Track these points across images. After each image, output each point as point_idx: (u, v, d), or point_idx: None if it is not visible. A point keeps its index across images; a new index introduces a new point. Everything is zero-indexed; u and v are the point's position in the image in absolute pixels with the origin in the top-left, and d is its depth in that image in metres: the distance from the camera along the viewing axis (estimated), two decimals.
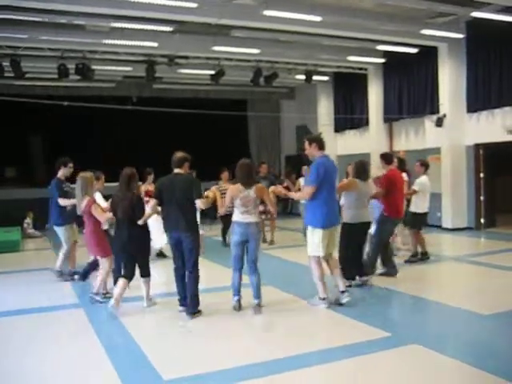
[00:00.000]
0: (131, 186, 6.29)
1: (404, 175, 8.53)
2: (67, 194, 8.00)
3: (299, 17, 10.17)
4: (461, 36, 12.01)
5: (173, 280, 6.21)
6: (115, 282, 6.58)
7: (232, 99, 18.04)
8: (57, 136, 15.86)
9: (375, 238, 7.74)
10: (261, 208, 6.88)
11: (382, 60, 14.42)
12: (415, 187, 8.70)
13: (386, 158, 8.01)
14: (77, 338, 5.55)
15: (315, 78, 15.41)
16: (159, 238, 8.93)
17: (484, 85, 11.90)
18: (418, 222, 8.88)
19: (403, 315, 6.37)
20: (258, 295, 6.12)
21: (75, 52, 12.27)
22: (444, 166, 12.68)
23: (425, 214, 8.93)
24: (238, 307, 6.12)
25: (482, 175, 12.52)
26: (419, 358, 4.66)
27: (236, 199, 5.97)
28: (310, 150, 6.25)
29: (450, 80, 12.47)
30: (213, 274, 7.90)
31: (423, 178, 8.82)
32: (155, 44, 11.81)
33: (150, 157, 12.66)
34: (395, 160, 8.22)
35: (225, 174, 11.04)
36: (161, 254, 9.74)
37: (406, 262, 8.71)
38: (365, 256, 7.55)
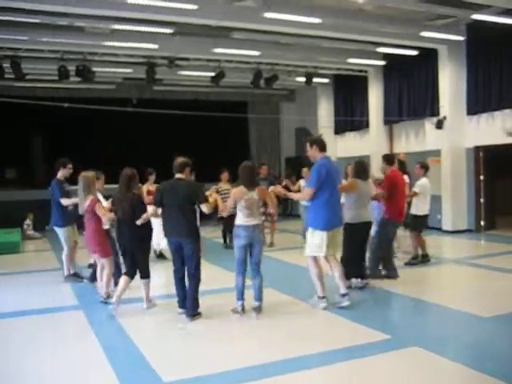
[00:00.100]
0: (131, 186, 6.29)
1: (405, 177, 8.53)
2: (68, 194, 8.01)
3: (299, 19, 10.18)
4: (461, 38, 12.02)
5: (173, 282, 6.20)
6: (116, 284, 6.58)
7: (232, 101, 18.03)
8: (57, 137, 15.86)
9: (375, 239, 7.74)
10: (261, 209, 6.87)
11: (382, 62, 14.43)
12: (416, 189, 8.70)
13: (388, 158, 8.04)
14: (76, 340, 5.55)
15: (315, 80, 15.42)
16: (160, 240, 8.92)
17: (484, 87, 11.91)
18: (419, 225, 8.88)
19: (403, 317, 6.36)
20: (259, 297, 6.12)
21: (75, 54, 12.29)
22: (444, 168, 12.69)
23: (425, 217, 8.92)
24: (242, 311, 6.08)
25: (482, 177, 12.53)
26: (419, 361, 4.65)
27: (240, 202, 5.95)
28: (312, 152, 6.27)
29: (450, 82, 12.47)
30: (213, 276, 7.88)
31: (423, 180, 8.82)
32: (155, 46, 11.82)
33: (151, 158, 12.65)
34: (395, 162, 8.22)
35: (224, 175, 11.05)
36: (161, 256, 9.74)
37: (407, 264, 8.70)
38: (367, 259, 7.55)
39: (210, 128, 15.91)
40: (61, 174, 8.17)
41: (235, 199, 6.00)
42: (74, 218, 8.03)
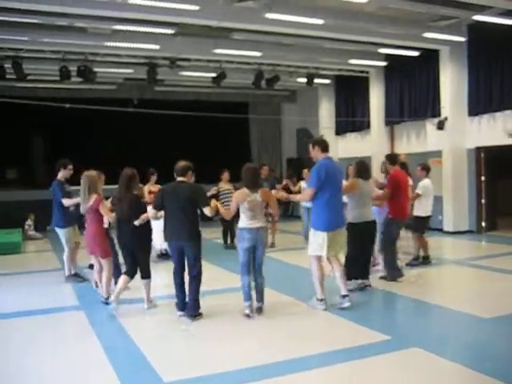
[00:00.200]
0: (131, 186, 6.30)
1: (409, 179, 8.48)
2: (69, 195, 8.02)
3: (301, 20, 10.17)
4: (462, 39, 12.02)
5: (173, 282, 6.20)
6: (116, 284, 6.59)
7: (233, 102, 18.04)
8: (58, 138, 15.87)
9: (381, 241, 7.73)
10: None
11: (384, 63, 14.42)
12: (418, 191, 8.68)
13: (391, 158, 8.04)
14: (77, 340, 5.56)
15: (317, 80, 15.42)
16: (161, 239, 8.90)
17: (485, 88, 11.90)
18: (421, 226, 8.87)
19: (404, 318, 6.35)
20: (260, 298, 6.13)
21: (77, 54, 12.30)
22: (445, 169, 12.68)
23: (428, 218, 8.92)
24: (251, 312, 6.02)
25: (483, 178, 12.52)
26: (419, 362, 4.64)
27: (243, 204, 5.94)
28: (314, 153, 6.27)
29: (452, 83, 12.47)
30: (214, 277, 7.88)
31: (426, 182, 8.81)
32: (157, 46, 11.83)
33: (151, 159, 12.67)
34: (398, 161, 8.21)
35: (225, 175, 11.06)
36: (164, 255, 9.68)
37: (407, 265, 8.69)
38: (374, 260, 7.55)
39: (211, 129, 15.91)
40: (61, 174, 8.18)
41: (237, 202, 5.99)
42: (75, 219, 8.04)
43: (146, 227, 6.33)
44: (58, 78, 12.58)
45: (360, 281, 7.12)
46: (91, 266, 7.92)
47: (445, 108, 12.62)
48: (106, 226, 6.98)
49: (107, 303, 6.56)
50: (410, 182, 8.61)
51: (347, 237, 6.83)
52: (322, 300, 6.25)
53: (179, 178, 6.05)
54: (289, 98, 19.37)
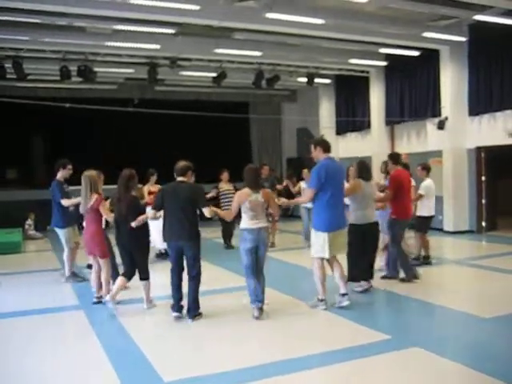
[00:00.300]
0: (130, 186, 6.30)
1: (412, 180, 8.46)
2: (68, 195, 8.02)
3: (301, 19, 10.17)
4: (463, 39, 12.01)
5: None
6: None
7: (234, 101, 18.03)
8: (58, 138, 15.86)
9: (390, 243, 7.72)
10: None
11: (384, 63, 14.42)
12: (421, 191, 8.67)
13: (394, 158, 7.98)
14: (77, 339, 5.56)
15: (317, 80, 15.42)
16: (161, 239, 8.89)
17: (486, 88, 11.90)
18: (424, 226, 8.86)
19: (404, 318, 6.34)
20: (261, 299, 6.11)
21: (77, 54, 12.30)
22: (445, 168, 12.68)
23: (431, 218, 8.91)
24: (261, 313, 5.97)
25: (483, 178, 12.52)
26: (420, 361, 4.64)
27: (244, 203, 5.92)
28: (316, 153, 6.27)
29: (452, 83, 12.47)
30: (214, 277, 7.89)
31: (428, 182, 8.80)
32: (157, 46, 11.83)
33: (151, 159, 12.69)
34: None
35: (225, 175, 11.05)
36: (162, 254, 9.67)
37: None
38: (379, 261, 7.54)
39: (212, 128, 15.91)
40: (60, 174, 8.17)
41: (239, 202, 5.97)
42: (74, 219, 8.04)
43: (144, 228, 6.32)
44: (58, 78, 12.58)
45: (363, 282, 7.09)
46: (90, 266, 7.92)
47: (445, 108, 12.62)
48: (103, 226, 6.96)
49: (99, 302, 6.60)
50: (413, 182, 8.59)
51: (350, 238, 6.82)
52: (322, 300, 6.25)
53: (179, 178, 6.04)
54: (289, 97, 19.37)
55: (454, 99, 12.49)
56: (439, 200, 12.04)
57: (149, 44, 11.72)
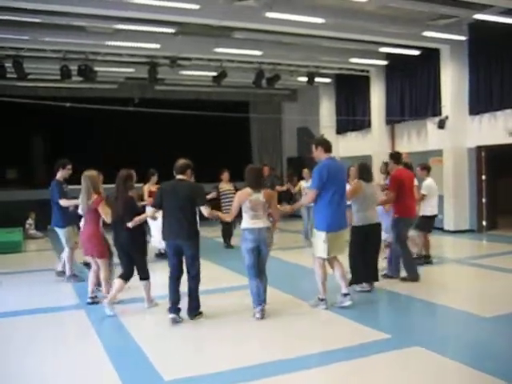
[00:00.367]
0: (127, 187, 6.29)
1: (414, 180, 8.44)
2: (67, 195, 8.02)
3: (301, 19, 10.18)
4: (463, 38, 12.01)
5: None
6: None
7: (234, 101, 18.02)
8: (59, 137, 15.87)
9: (394, 242, 7.71)
10: None
11: (385, 62, 14.42)
12: (423, 191, 8.66)
13: (395, 157, 7.96)
14: (78, 339, 5.57)
15: (317, 79, 15.42)
16: (159, 238, 8.89)
17: (486, 87, 11.90)
18: (428, 225, 8.86)
19: (404, 317, 6.34)
20: (263, 298, 6.10)
21: (78, 53, 12.31)
22: (446, 168, 12.68)
23: (434, 217, 8.90)
24: (262, 315, 5.94)
25: (483, 177, 12.52)
26: (420, 360, 4.64)
27: (245, 203, 5.90)
28: (317, 153, 6.26)
29: (452, 82, 12.47)
30: (214, 276, 7.89)
31: (429, 181, 8.80)
32: (157, 46, 11.83)
33: (151, 158, 12.68)
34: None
35: (225, 175, 11.04)
36: (161, 254, 9.67)
37: None
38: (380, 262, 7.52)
39: (212, 128, 15.92)
40: (60, 174, 8.17)
41: (240, 202, 5.96)
42: (74, 219, 8.02)
43: (140, 228, 6.30)
44: (58, 78, 12.59)
45: (365, 284, 7.07)
46: (87, 264, 7.91)
47: (445, 107, 12.62)
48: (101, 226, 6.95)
49: (94, 302, 6.63)
50: (416, 182, 8.57)
51: (352, 240, 6.81)
52: (323, 300, 6.25)
53: (178, 176, 6.03)
54: (289, 97, 19.37)
55: (455, 98, 12.49)
56: (440, 199, 11.97)
57: (149, 43, 11.74)
